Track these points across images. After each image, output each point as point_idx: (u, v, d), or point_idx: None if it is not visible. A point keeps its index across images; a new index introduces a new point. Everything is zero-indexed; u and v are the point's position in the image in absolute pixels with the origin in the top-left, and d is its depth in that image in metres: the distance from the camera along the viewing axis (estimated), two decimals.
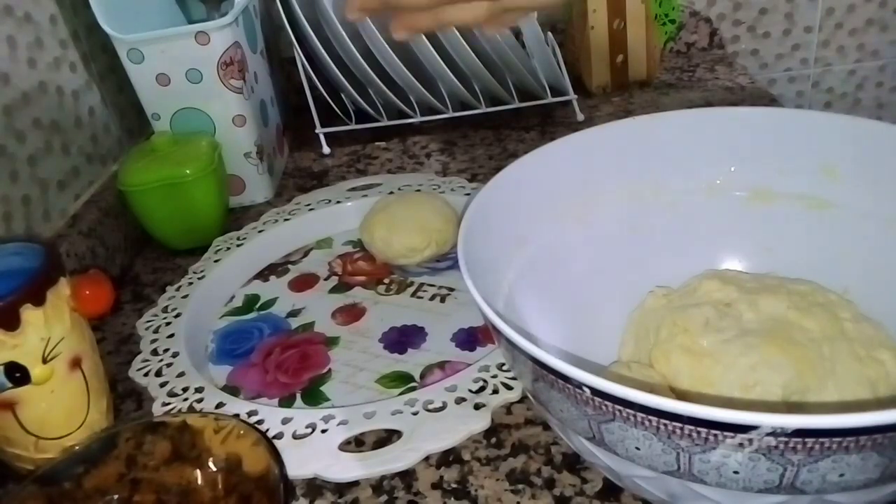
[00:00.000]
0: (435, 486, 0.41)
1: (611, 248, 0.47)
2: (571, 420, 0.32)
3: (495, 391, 0.46)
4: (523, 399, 0.46)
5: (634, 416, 0.28)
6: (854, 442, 0.25)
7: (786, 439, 0.26)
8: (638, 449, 0.30)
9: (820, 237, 0.46)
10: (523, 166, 0.45)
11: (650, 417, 0.28)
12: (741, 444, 0.26)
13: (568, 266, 0.46)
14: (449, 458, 0.43)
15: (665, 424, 0.27)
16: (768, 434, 0.26)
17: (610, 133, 0.47)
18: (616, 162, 0.48)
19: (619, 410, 0.28)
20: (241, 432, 0.39)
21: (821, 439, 0.25)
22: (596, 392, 0.28)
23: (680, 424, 0.27)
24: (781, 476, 0.27)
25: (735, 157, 0.47)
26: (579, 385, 0.29)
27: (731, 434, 0.26)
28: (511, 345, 0.32)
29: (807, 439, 0.25)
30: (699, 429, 0.27)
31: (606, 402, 0.29)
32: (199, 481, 0.40)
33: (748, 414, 0.25)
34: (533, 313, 0.42)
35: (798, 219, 0.46)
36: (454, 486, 0.41)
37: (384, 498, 0.41)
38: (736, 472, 0.28)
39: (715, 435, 0.27)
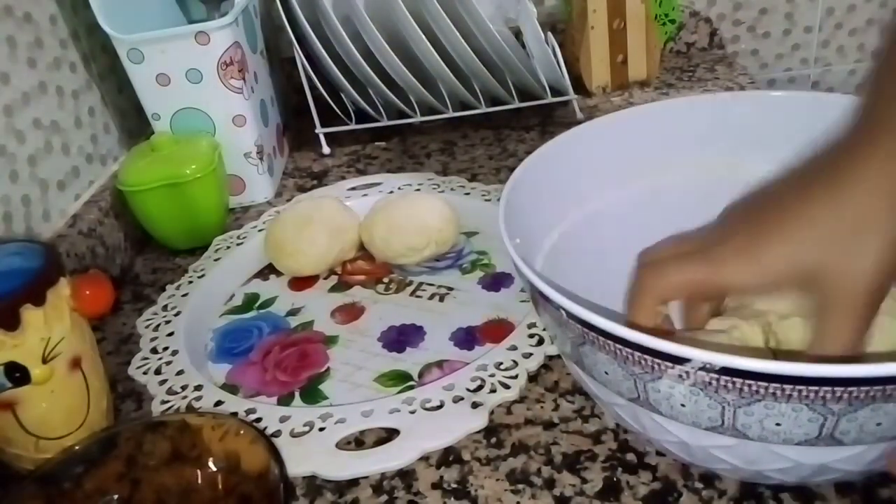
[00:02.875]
0: (435, 485, 0.42)
1: (677, 217, 0.47)
2: (561, 342, 0.35)
3: (493, 390, 0.46)
4: (523, 399, 0.46)
5: (598, 339, 0.31)
6: (780, 390, 0.27)
7: (716, 376, 0.28)
8: (607, 373, 0.32)
9: None
10: (591, 128, 0.47)
11: (608, 342, 0.30)
12: (681, 377, 0.29)
13: (627, 229, 0.47)
14: (449, 457, 0.43)
15: (619, 350, 0.30)
16: (700, 369, 0.28)
17: (689, 106, 0.48)
18: (693, 135, 0.48)
19: (587, 333, 0.31)
20: (241, 431, 0.39)
21: (747, 381, 0.27)
22: (570, 315, 0.31)
23: (630, 351, 0.30)
24: (721, 414, 0.29)
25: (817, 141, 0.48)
26: (558, 307, 0.32)
27: (671, 365, 0.29)
28: (516, 268, 0.35)
29: (735, 379, 0.27)
30: (644, 356, 0.29)
31: (578, 325, 0.32)
32: (199, 481, 0.40)
33: (679, 346, 0.28)
34: (579, 270, 0.44)
35: None
36: (454, 486, 0.41)
37: (384, 498, 0.41)
38: (683, 406, 0.30)
39: (658, 364, 0.29)
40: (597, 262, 0.45)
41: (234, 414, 0.47)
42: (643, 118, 0.49)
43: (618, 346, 0.30)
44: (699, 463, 0.36)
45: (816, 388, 0.26)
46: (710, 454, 0.33)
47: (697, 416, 0.30)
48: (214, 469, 0.40)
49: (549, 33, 0.85)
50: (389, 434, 0.45)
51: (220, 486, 0.40)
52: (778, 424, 0.28)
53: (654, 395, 0.31)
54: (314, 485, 0.43)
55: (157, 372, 0.52)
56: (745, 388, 0.27)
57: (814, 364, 0.26)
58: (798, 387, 0.27)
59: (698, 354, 0.27)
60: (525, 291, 0.39)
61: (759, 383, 0.27)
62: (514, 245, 0.38)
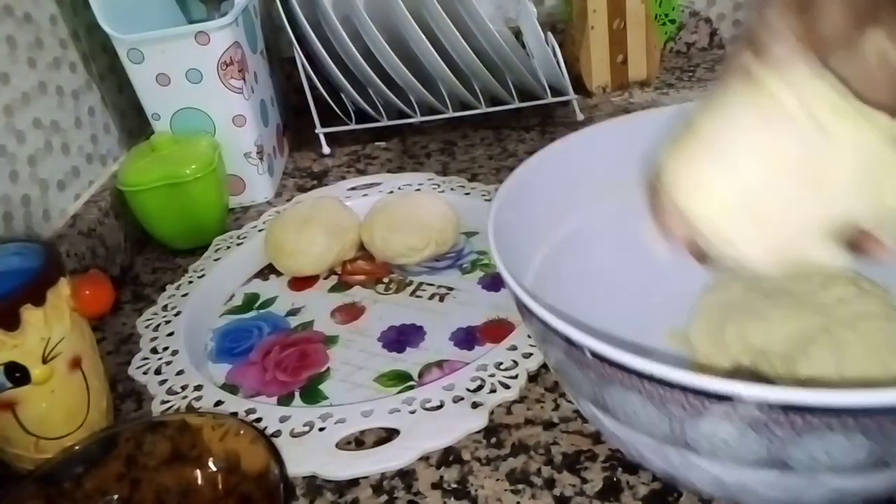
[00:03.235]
0: (435, 485, 0.42)
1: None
2: (578, 384, 0.33)
3: (493, 390, 0.46)
4: (523, 399, 0.46)
5: (629, 379, 0.29)
6: (836, 420, 0.25)
7: (768, 411, 0.26)
8: (636, 414, 0.30)
9: None
10: (564, 147, 0.45)
11: (643, 382, 0.28)
12: (727, 414, 0.27)
13: (606, 248, 0.46)
14: (449, 457, 0.43)
15: (657, 390, 0.28)
16: (752, 405, 0.26)
17: (660, 118, 0.47)
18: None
19: (616, 374, 0.29)
20: (241, 431, 0.39)
21: (804, 414, 0.26)
22: (595, 354, 0.29)
23: (669, 390, 0.28)
24: (769, 449, 0.28)
25: None
26: (581, 347, 0.30)
27: (717, 402, 0.27)
28: (522, 305, 0.33)
29: (790, 413, 0.26)
30: (686, 395, 0.27)
31: (604, 365, 0.29)
32: (199, 481, 0.40)
33: (731, 383, 0.26)
34: (566, 289, 0.42)
35: None
36: (454, 486, 0.41)
37: (384, 498, 0.41)
38: (725, 444, 0.28)
39: (703, 403, 0.27)
40: (580, 283, 0.44)
41: (234, 414, 0.47)
42: (616, 131, 0.47)
43: (655, 386, 0.28)
44: (728, 497, 0.34)
45: (879, 416, 0.25)
46: (746, 489, 0.31)
47: (740, 453, 0.29)
48: (214, 469, 0.40)
49: (549, 33, 0.85)
50: (389, 434, 0.45)
51: (220, 486, 0.40)
52: (828, 454, 0.27)
53: (693, 434, 0.29)
54: (314, 485, 0.43)
55: (157, 372, 0.52)
56: (800, 422, 0.26)
57: (877, 391, 0.24)
58: (858, 416, 0.25)
59: (751, 391, 0.26)
60: (526, 324, 0.37)
61: (816, 415, 0.26)
62: (512, 273, 0.35)
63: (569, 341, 0.30)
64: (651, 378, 0.28)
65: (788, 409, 0.26)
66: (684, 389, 0.27)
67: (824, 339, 0.40)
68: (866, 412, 0.25)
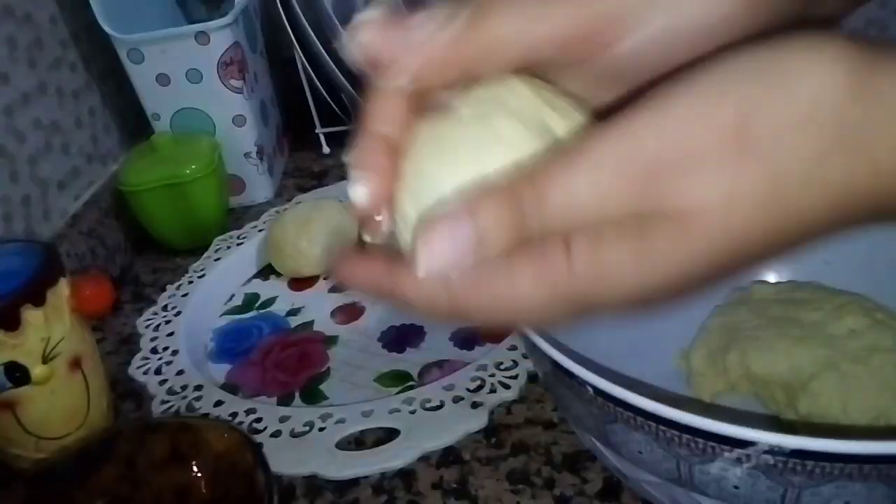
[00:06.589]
0: (435, 486, 0.42)
1: None
2: (580, 417, 0.32)
3: (493, 390, 0.46)
4: (523, 399, 0.46)
5: (634, 419, 0.28)
6: (857, 469, 0.24)
7: (784, 459, 0.25)
8: (640, 453, 0.29)
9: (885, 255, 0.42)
10: None
11: (649, 422, 0.27)
12: (739, 459, 0.26)
13: None
14: (449, 458, 0.43)
15: (664, 431, 0.27)
16: (766, 452, 0.25)
17: None
18: None
19: (620, 412, 0.28)
20: (226, 434, 0.39)
21: (821, 463, 0.25)
22: (598, 392, 0.28)
23: (678, 432, 0.27)
24: (783, 497, 0.27)
25: None
26: (583, 383, 0.29)
27: (729, 448, 0.26)
28: (523, 336, 0.32)
29: (806, 461, 0.25)
30: (696, 439, 0.26)
31: (608, 403, 0.28)
32: (197, 481, 0.40)
33: (744, 429, 0.25)
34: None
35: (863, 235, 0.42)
36: (454, 486, 0.41)
37: (384, 498, 0.41)
38: (736, 487, 0.27)
39: (713, 447, 0.26)
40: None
41: (234, 414, 0.47)
42: None
43: (661, 427, 0.27)
44: None
45: None
46: None
47: (752, 499, 0.27)
48: (212, 470, 0.40)
49: None
50: (389, 434, 0.45)
51: (217, 487, 0.40)
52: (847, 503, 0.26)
53: (702, 476, 0.28)
54: (314, 485, 0.43)
55: (157, 372, 0.52)
56: (818, 470, 0.25)
57: None
58: (879, 465, 0.24)
59: (765, 437, 0.24)
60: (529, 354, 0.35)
61: (835, 464, 0.24)
62: None
63: (575, 378, 0.29)
64: (655, 418, 0.27)
65: (803, 455, 0.25)
66: (692, 432, 0.26)
67: (829, 374, 0.38)
68: (890, 461, 0.24)
